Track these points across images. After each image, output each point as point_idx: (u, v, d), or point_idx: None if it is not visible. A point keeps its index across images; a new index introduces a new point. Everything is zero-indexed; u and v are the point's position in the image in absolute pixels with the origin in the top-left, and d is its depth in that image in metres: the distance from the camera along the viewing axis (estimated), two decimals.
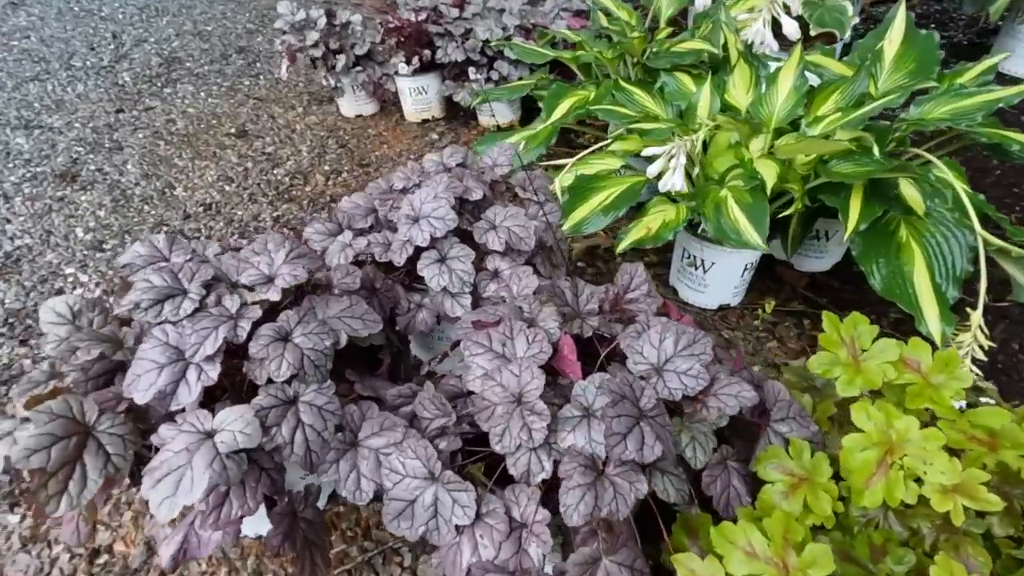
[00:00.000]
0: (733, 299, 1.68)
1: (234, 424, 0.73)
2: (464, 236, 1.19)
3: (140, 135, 2.69)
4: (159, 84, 3.24)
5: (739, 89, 1.46)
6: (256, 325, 0.83)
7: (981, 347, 1.23)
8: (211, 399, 0.95)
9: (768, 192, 1.18)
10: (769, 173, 1.20)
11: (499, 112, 2.64)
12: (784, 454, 0.80)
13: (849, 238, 1.21)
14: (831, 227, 1.67)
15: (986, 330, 1.23)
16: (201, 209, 2.19)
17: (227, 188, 2.31)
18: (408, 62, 2.57)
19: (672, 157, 1.17)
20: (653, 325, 0.82)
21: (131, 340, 0.85)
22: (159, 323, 0.82)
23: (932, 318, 1.24)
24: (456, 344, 1.09)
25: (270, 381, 0.81)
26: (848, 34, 1.88)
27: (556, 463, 0.72)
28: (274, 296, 0.85)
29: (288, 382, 0.83)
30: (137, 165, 2.46)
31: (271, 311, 0.90)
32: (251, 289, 0.89)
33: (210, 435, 0.74)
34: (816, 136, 1.32)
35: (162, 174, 2.40)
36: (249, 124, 2.80)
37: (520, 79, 2.42)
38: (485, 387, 0.77)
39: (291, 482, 0.96)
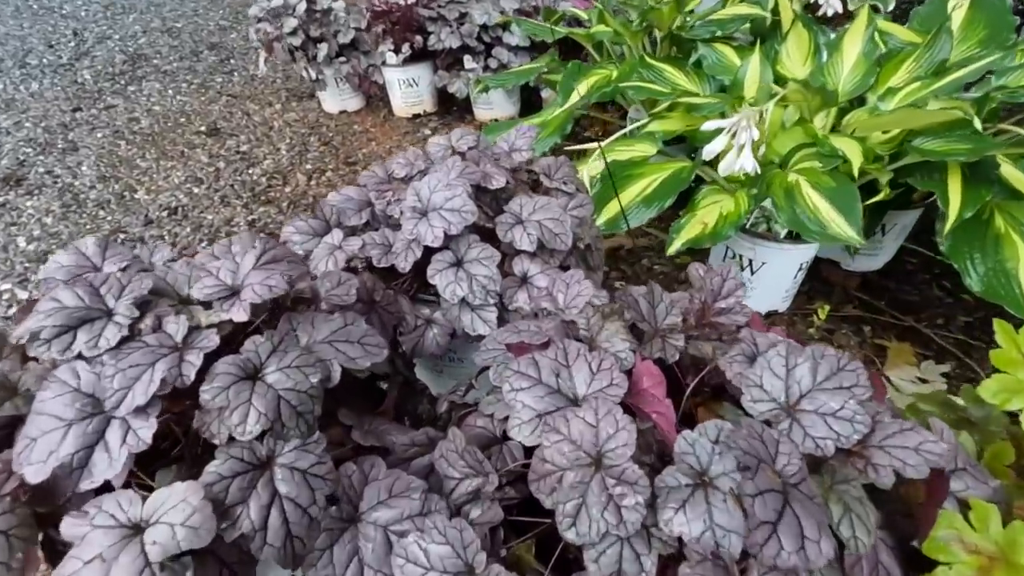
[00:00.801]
0: (783, 304, 1.46)
1: (173, 513, 0.49)
2: (483, 234, 0.96)
3: (98, 135, 2.42)
4: (122, 82, 2.97)
5: (794, 59, 1.25)
6: (212, 358, 0.58)
7: None
8: (155, 457, 0.70)
9: (855, 173, 0.97)
10: (853, 151, 0.98)
11: (498, 104, 2.42)
12: (962, 522, 0.57)
13: (951, 228, 0.99)
14: (889, 220, 1.46)
15: None
16: (165, 214, 1.92)
17: (196, 190, 2.04)
18: (397, 50, 2.34)
19: (737, 132, 0.95)
20: (770, 345, 0.59)
21: (31, 383, 0.60)
22: (69, 360, 0.57)
23: None
24: (482, 371, 0.85)
25: (232, 439, 0.57)
26: (891, 6, 1.68)
27: (662, 557, 0.49)
28: (239, 315, 0.60)
29: (259, 438, 0.58)
30: (93, 167, 2.18)
31: (235, 338, 0.65)
32: (207, 307, 0.65)
33: (138, 530, 0.50)
34: (893, 110, 1.11)
35: (122, 176, 2.13)
36: (221, 122, 2.54)
37: (521, 67, 2.20)
38: (546, 442, 0.54)
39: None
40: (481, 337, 0.91)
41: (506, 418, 0.69)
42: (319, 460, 0.60)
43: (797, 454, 0.50)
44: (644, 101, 1.47)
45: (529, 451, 0.69)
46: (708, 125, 0.95)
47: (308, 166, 2.19)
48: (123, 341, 0.58)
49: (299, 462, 0.59)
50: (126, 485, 0.58)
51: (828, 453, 0.51)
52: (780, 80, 1.27)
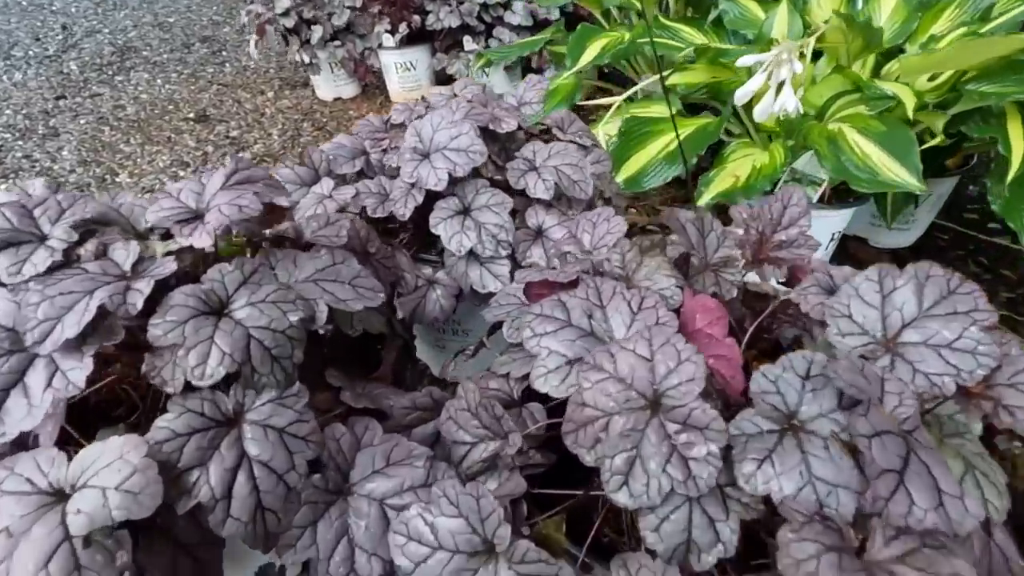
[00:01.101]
0: None
1: (106, 474, 0.37)
2: (492, 185, 0.85)
3: (82, 121, 2.32)
4: (110, 72, 2.87)
5: (825, 7, 1.15)
6: (167, 290, 0.47)
7: None
8: (106, 422, 0.59)
9: (910, 115, 0.86)
10: (904, 92, 0.88)
11: (499, 87, 2.32)
12: None
13: (1015, 176, 0.89)
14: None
15: None
16: (148, 196, 1.81)
17: (181, 173, 1.94)
18: (394, 31, 2.25)
19: (775, 68, 0.84)
20: (848, 276, 0.49)
21: None
22: None
23: None
24: (495, 330, 0.74)
25: (190, 387, 0.45)
26: None
27: (744, 524, 0.38)
28: (201, 241, 0.49)
29: (226, 389, 0.47)
30: (74, 151, 2.08)
31: (196, 271, 0.54)
32: (166, 237, 0.54)
33: (62, 496, 0.38)
34: (946, 47, 1.01)
35: (104, 160, 2.02)
36: (211, 109, 2.44)
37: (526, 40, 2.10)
38: (585, 383, 0.42)
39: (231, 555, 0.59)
40: (492, 295, 0.80)
41: (524, 376, 0.59)
42: (300, 417, 0.48)
43: (910, 392, 0.39)
44: (660, 59, 1.37)
45: (553, 413, 0.58)
46: (744, 59, 0.85)
47: (300, 150, 2.09)
48: (56, 268, 0.46)
49: (274, 418, 0.47)
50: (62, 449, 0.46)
51: (948, 392, 0.40)
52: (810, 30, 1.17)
